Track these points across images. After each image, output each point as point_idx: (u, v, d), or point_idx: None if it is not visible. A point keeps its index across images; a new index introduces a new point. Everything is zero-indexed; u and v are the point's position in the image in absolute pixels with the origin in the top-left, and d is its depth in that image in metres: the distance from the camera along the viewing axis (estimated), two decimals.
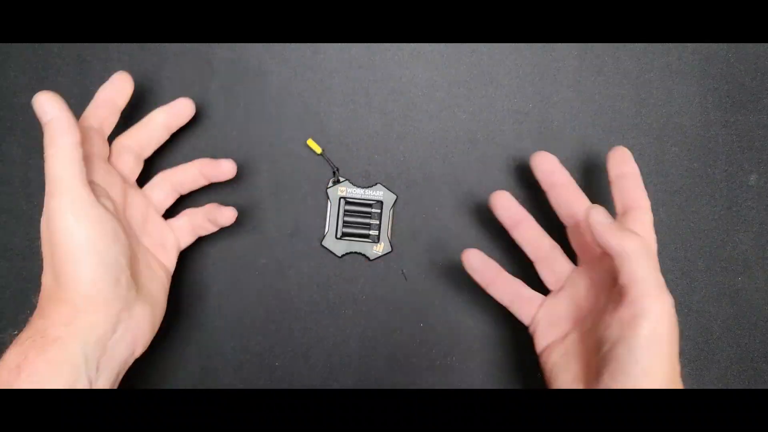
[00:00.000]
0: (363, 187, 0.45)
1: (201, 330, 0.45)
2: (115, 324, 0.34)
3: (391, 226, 0.46)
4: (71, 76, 0.44)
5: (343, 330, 0.45)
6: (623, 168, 0.39)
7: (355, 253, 0.45)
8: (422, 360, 0.45)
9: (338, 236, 0.45)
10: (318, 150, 0.45)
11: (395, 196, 0.45)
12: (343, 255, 0.45)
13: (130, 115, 0.44)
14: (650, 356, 0.31)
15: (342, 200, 0.45)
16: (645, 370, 0.31)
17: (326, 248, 0.45)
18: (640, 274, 0.32)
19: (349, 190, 0.45)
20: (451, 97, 0.46)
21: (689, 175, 0.48)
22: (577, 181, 0.48)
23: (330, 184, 0.45)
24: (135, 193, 0.40)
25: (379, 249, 0.45)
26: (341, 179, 0.45)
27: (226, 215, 0.40)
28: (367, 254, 0.45)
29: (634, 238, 0.33)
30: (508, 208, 0.41)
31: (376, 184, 0.46)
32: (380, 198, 0.45)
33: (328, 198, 0.45)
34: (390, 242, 0.46)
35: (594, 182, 0.47)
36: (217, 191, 0.45)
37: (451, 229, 0.46)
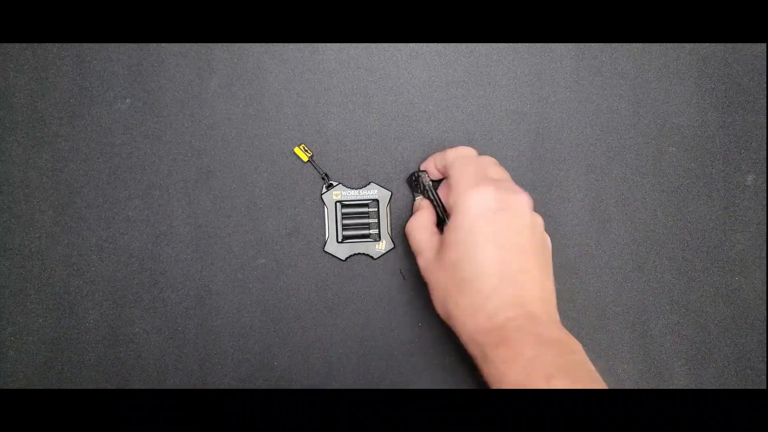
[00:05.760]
0: (357, 188, 0.46)
1: (200, 330, 0.45)
2: None
3: (391, 223, 0.46)
4: (71, 76, 0.44)
5: (342, 330, 0.45)
6: None
7: (360, 254, 0.46)
8: (420, 359, 0.46)
9: (339, 240, 0.45)
10: (305, 158, 0.45)
11: (390, 193, 0.46)
12: (347, 258, 0.45)
13: (129, 115, 0.44)
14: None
15: (338, 204, 0.45)
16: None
17: (329, 253, 0.45)
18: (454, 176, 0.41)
19: (343, 192, 0.45)
20: (449, 97, 0.47)
21: (686, 176, 0.48)
22: (576, 182, 0.48)
23: (323, 189, 0.45)
24: None
25: (381, 247, 0.45)
26: (334, 183, 0.45)
27: None
28: (371, 254, 0.45)
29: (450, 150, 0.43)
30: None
31: (369, 183, 0.46)
32: (375, 196, 0.46)
33: (324, 204, 0.45)
34: (392, 239, 0.46)
35: (593, 182, 0.47)
36: (216, 191, 0.45)
37: None
